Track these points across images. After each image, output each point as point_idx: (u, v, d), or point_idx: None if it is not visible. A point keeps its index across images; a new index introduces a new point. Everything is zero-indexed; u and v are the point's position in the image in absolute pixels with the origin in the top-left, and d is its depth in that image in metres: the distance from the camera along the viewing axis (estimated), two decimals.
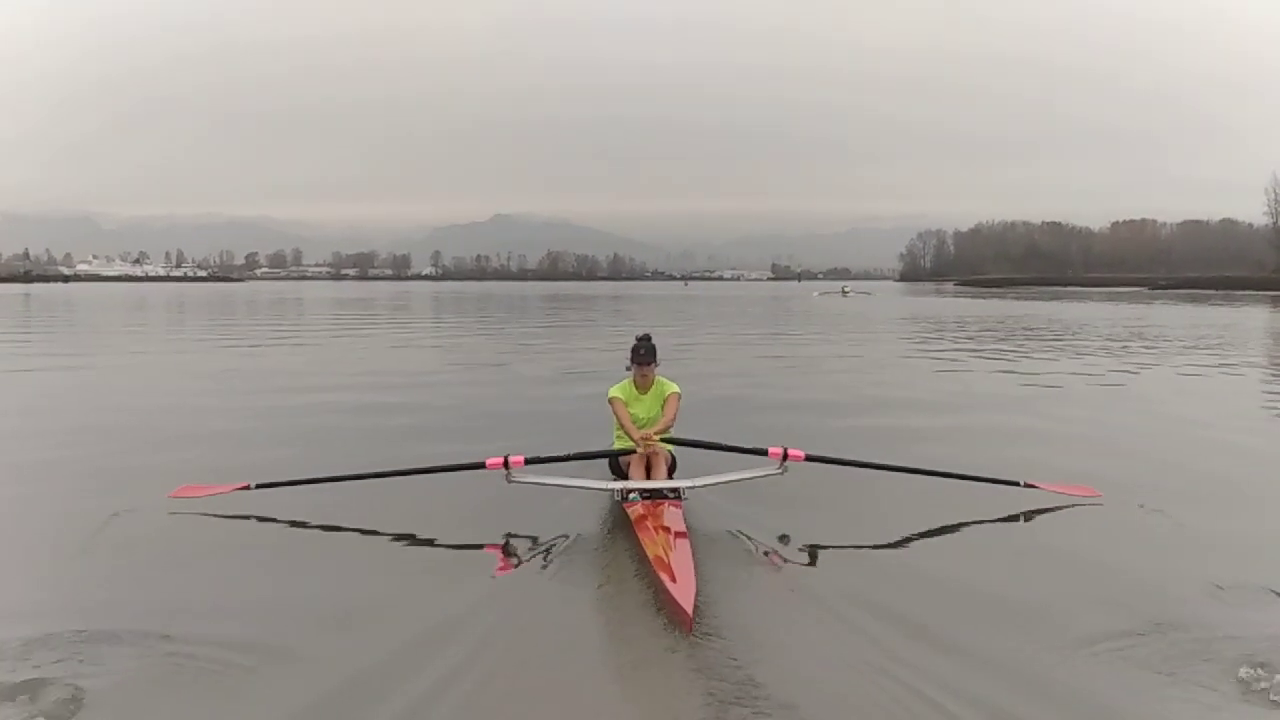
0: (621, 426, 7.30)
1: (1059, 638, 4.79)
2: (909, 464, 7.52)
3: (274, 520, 6.97)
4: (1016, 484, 7.40)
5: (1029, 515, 7.15)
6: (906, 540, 6.65)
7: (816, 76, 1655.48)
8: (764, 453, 6.87)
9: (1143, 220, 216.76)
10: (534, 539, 6.51)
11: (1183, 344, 25.60)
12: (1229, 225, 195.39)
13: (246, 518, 6.99)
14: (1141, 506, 7.42)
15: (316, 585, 5.70)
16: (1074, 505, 7.36)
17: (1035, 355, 22.30)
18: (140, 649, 4.58)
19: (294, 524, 6.90)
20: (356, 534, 6.75)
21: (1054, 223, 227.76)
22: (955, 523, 6.97)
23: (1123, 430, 11.43)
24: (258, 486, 7.25)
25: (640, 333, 7.60)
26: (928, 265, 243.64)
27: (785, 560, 6.15)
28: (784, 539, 6.53)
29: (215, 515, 7.04)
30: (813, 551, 6.34)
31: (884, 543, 6.59)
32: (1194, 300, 69.75)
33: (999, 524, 7.04)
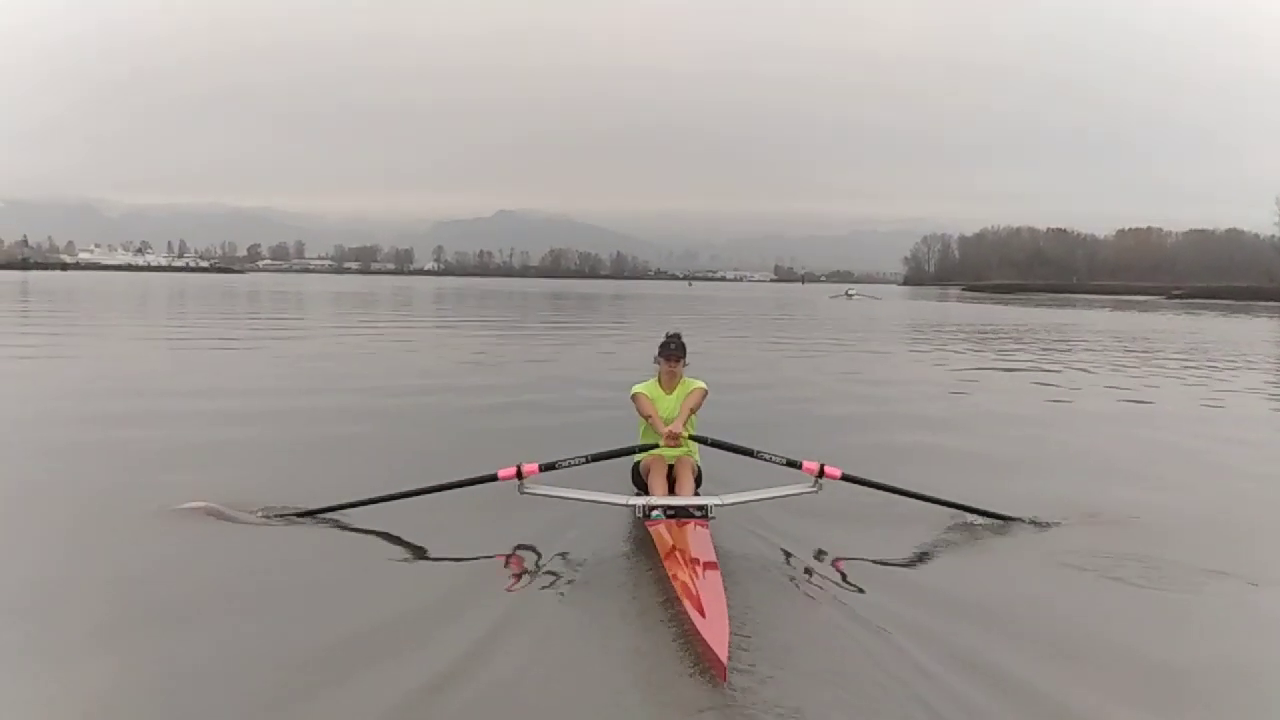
0: (647, 420, 6.86)
1: (1122, 683, 4.35)
2: (951, 498, 6.97)
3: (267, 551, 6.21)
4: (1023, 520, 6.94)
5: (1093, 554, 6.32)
6: (956, 571, 6.05)
7: (820, 81, 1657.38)
8: (798, 465, 6.36)
9: (1148, 228, 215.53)
10: (548, 563, 5.93)
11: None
12: (1235, 235, 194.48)
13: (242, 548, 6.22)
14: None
15: (309, 633, 4.91)
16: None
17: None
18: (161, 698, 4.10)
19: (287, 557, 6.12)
20: (350, 570, 5.93)
21: (1059, 229, 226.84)
22: (1001, 557, 6.38)
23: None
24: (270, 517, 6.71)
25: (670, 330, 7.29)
26: (931, 269, 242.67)
27: (824, 587, 5.60)
28: (820, 558, 6.09)
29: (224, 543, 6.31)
30: (853, 576, 5.79)
31: (932, 571, 6.04)
32: (1227, 311, 67.69)
33: (1060, 562, 6.20)
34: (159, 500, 7.02)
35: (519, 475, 6.20)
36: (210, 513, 6.73)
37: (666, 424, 6.72)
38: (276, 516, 6.69)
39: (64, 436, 9.91)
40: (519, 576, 5.74)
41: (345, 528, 6.58)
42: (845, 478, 6.40)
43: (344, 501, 6.74)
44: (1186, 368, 21.11)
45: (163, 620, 4.94)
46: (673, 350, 7.03)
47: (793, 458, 6.42)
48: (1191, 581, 5.81)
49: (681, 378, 7.15)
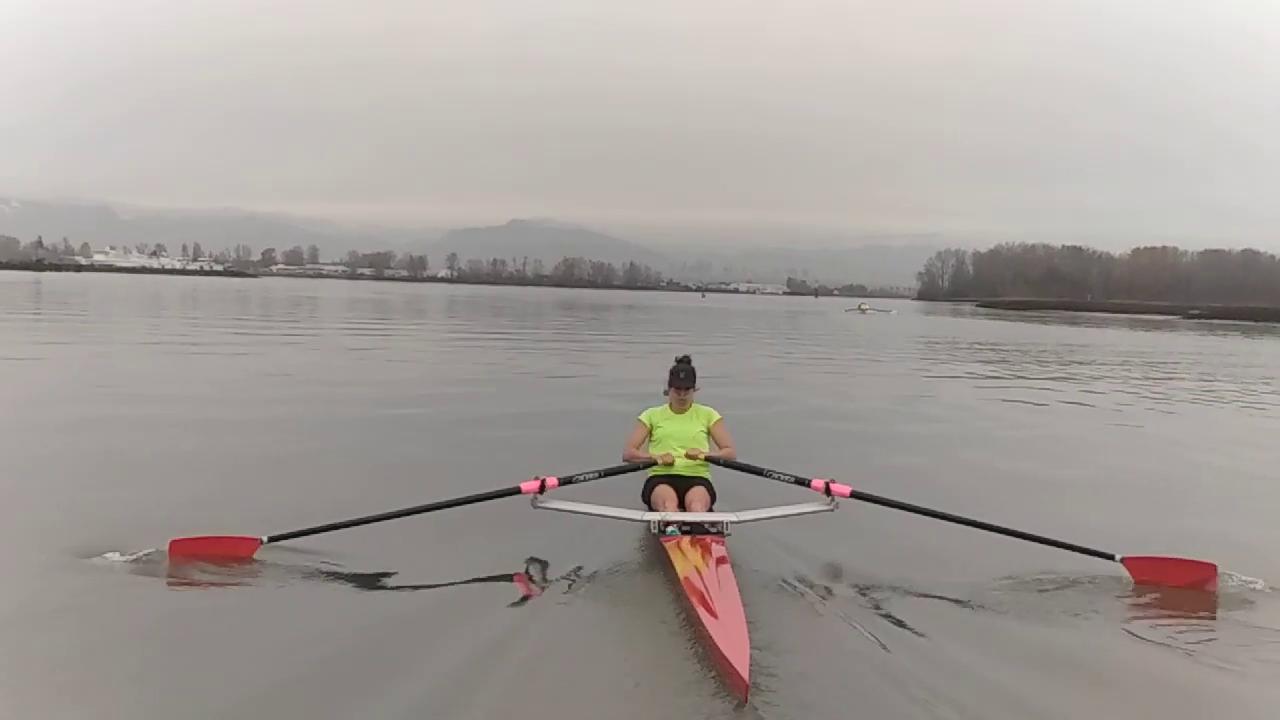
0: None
1: None
2: (973, 517, 6.32)
3: (281, 573, 5.76)
4: (1110, 557, 6.03)
5: (1128, 590, 5.91)
6: (984, 597, 5.77)
7: (834, 88, 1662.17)
8: (806, 483, 6.29)
9: (1164, 248, 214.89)
10: (561, 579, 5.84)
11: None
12: (1250, 256, 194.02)
13: (255, 574, 5.75)
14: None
15: (297, 660, 4.58)
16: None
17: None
18: None
19: (304, 576, 5.75)
20: (362, 589, 5.63)
21: (1074, 246, 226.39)
22: (1035, 585, 5.96)
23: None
24: (270, 540, 5.96)
25: (680, 354, 7.31)
26: (945, 285, 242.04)
27: (844, 609, 5.46)
28: (839, 579, 6.00)
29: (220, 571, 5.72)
30: (870, 595, 5.71)
31: (952, 595, 5.78)
32: (1249, 332, 66.29)
33: (1092, 595, 5.82)
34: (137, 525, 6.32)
35: (542, 488, 6.12)
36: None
37: (680, 442, 6.80)
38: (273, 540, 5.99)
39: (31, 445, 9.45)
40: (531, 592, 5.70)
41: (343, 549, 6.04)
42: (855, 495, 6.20)
43: (337, 521, 6.06)
44: (1223, 394, 20.55)
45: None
46: (682, 379, 7.06)
47: (800, 475, 6.33)
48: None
49: (692, 404, 7.15)
